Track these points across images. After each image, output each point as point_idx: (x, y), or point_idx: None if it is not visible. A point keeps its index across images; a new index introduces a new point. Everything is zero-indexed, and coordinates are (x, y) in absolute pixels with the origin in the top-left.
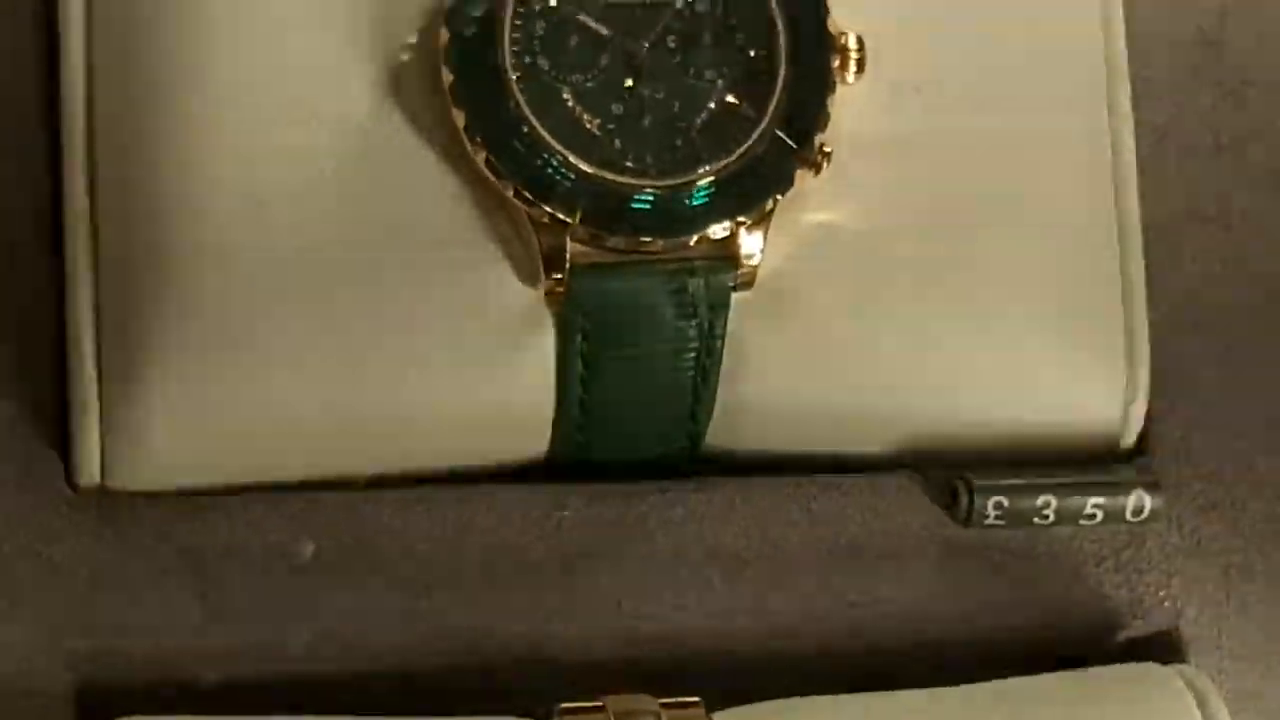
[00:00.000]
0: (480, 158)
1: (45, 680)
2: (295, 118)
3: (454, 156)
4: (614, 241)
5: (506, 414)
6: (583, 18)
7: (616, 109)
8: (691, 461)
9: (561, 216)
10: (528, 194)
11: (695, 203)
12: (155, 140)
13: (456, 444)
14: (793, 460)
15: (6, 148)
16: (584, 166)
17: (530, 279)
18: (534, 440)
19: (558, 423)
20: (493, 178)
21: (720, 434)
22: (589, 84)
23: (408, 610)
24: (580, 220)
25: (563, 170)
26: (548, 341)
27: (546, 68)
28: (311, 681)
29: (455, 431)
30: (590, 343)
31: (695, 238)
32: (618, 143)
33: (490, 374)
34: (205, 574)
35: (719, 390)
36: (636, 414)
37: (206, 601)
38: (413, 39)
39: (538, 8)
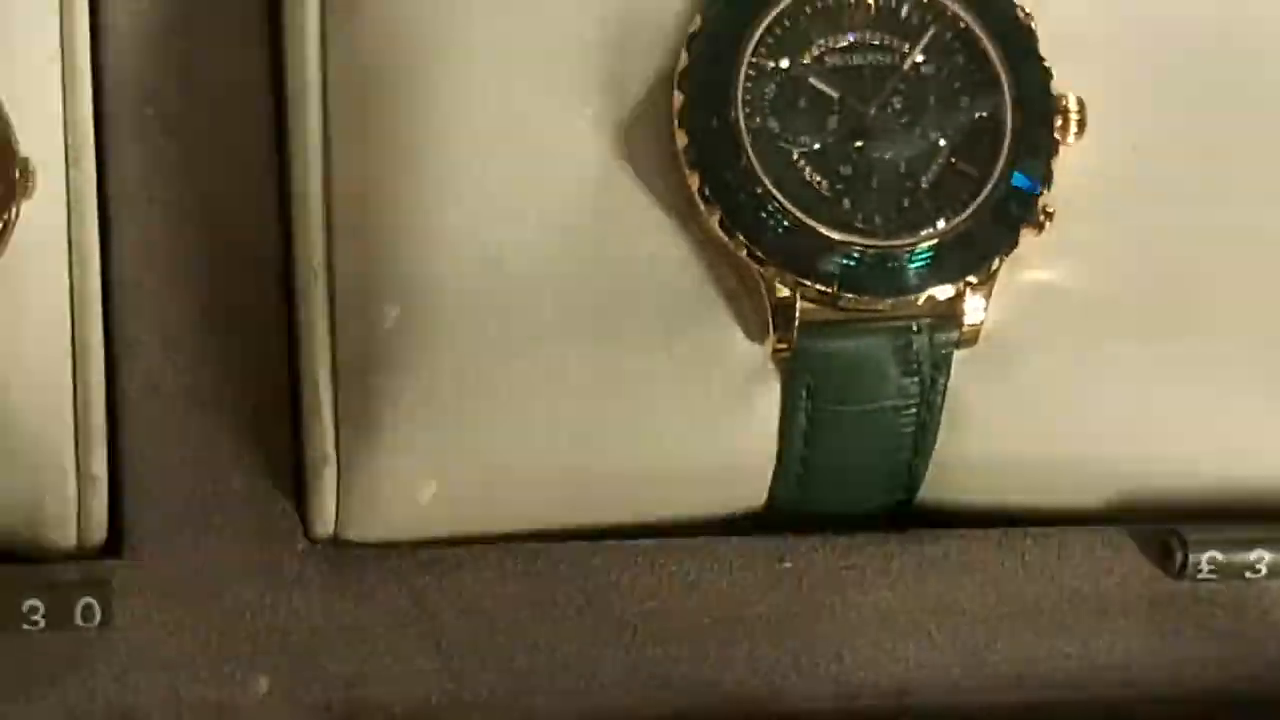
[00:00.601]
0: (714, 218)
1: None
2: (529, 177)
3: (683, 215)
4: (844, 301)
5: (729, 467)
6: (813, 80)
7: (845, 170)
8: (904, 514)
9: (794, 276)
10: (760, 254)
11: (922, 263)
12: (392, 198)
13: (679, 496)
14: (1005, 513)
15: (242, 203)
16: (817, 227)
17: (757, 336)
18: (753, 492)
19: (778, 475)
20: (725, 238)
21: (935, 487)
22: (818, 145)
23: (633, 661)
24: (812, 280)
25: (795, 231)
26: (772, 397)
27: (777, 129)
28: None
29: (679, 484)
30: (814, 399)
31: (922, 297)
32: (847, 203)
33: (716, 428)
34: (440, 624)
35: (935, 444)
36: (855, 468)
37: (441, 651)
38: (643, 100)
39: (769, 69)
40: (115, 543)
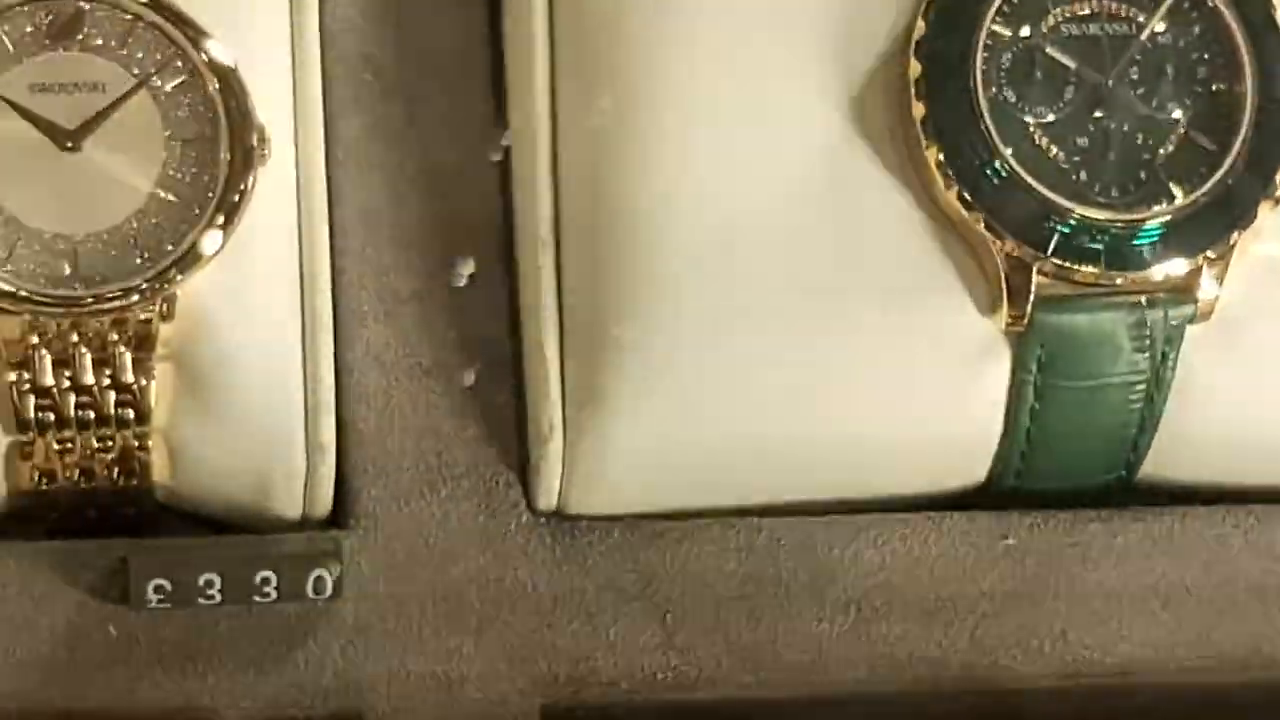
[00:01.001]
0: (951, 191)
1: (510, 703)
2: (761, 146)
3: (915, 187)
4: (1080, 275)
5: (953, 442)
6: (1050, 49)
7: (1081, 142)
8: (1124, 490)
9: (1031, 249)
10: (998, 226)
11: (1158, 237)
12: (621, 168)
13: (903, 470)
14: (1225, 491)
15: (464, 171)
16: (1055, 199)
17: (989, 309)
18: (975, 468)
19: (1002, 451)
20: (962, 210)
21: (1157, 463)
22: (1055, 116)
23: (857, 637)
24: (1049, 253)
25: (1034, 203)
26: (1001, 371)
27: (1014, 99)
28: (762, 705)
29: (903, 459)
30: (1044, 373)
31: (1159, 272)
32: (1084, 176)
33: (943, 402)
34: (665, 598)
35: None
36: (1080, 443)
37: (666, 625)
38: (877, 68)
39: (1006, 38)
40: (340, 514)
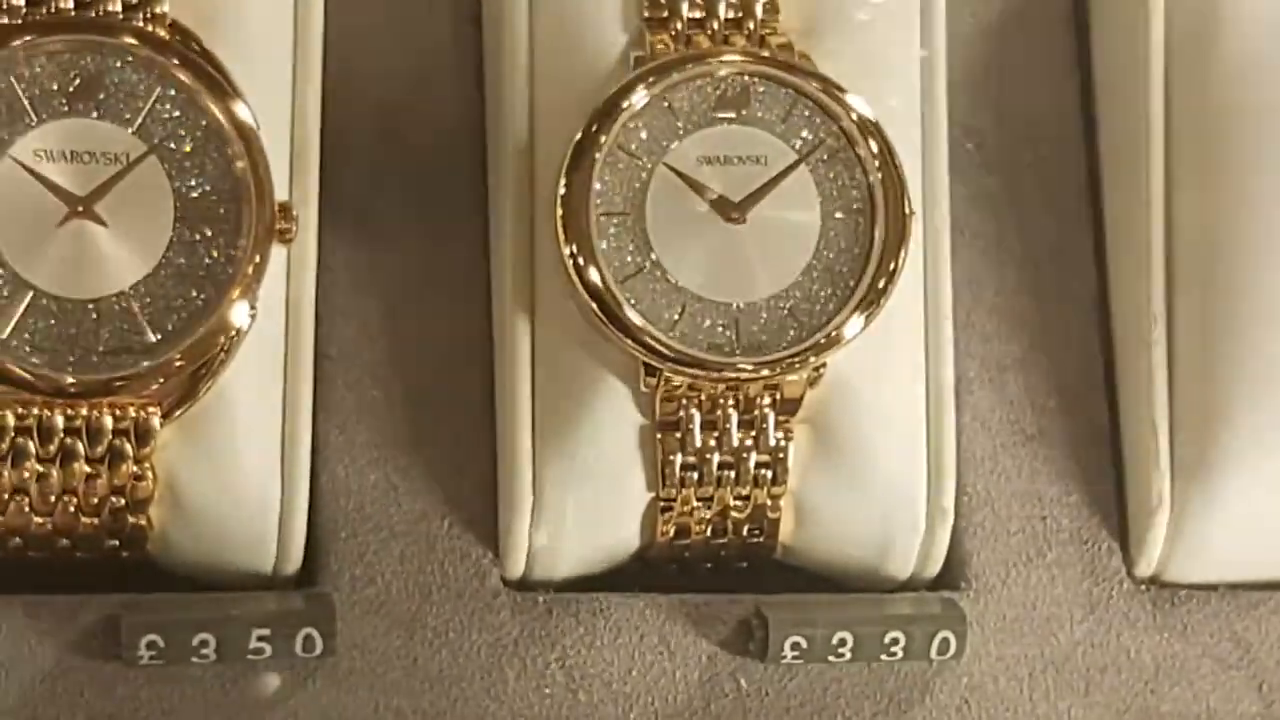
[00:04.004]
0: None
1: None
2: None
3: None
4: None
5: None
6: None
7: None
8: None
9: None
10: None
11: None
12: (1237, 243)
13: None
14: None
15: (1064, 248)
16: None
17: None
18: None
19: None
20: None
21: None
22: None
23: None
24: None
25: None
26: None
27: None
28: None
29: None
30: None
31: None
32: None
33: None
34: (1261, 667)
35: None
36: None
37: (1262, 694)
38: None
39: None
40: (950, 576)
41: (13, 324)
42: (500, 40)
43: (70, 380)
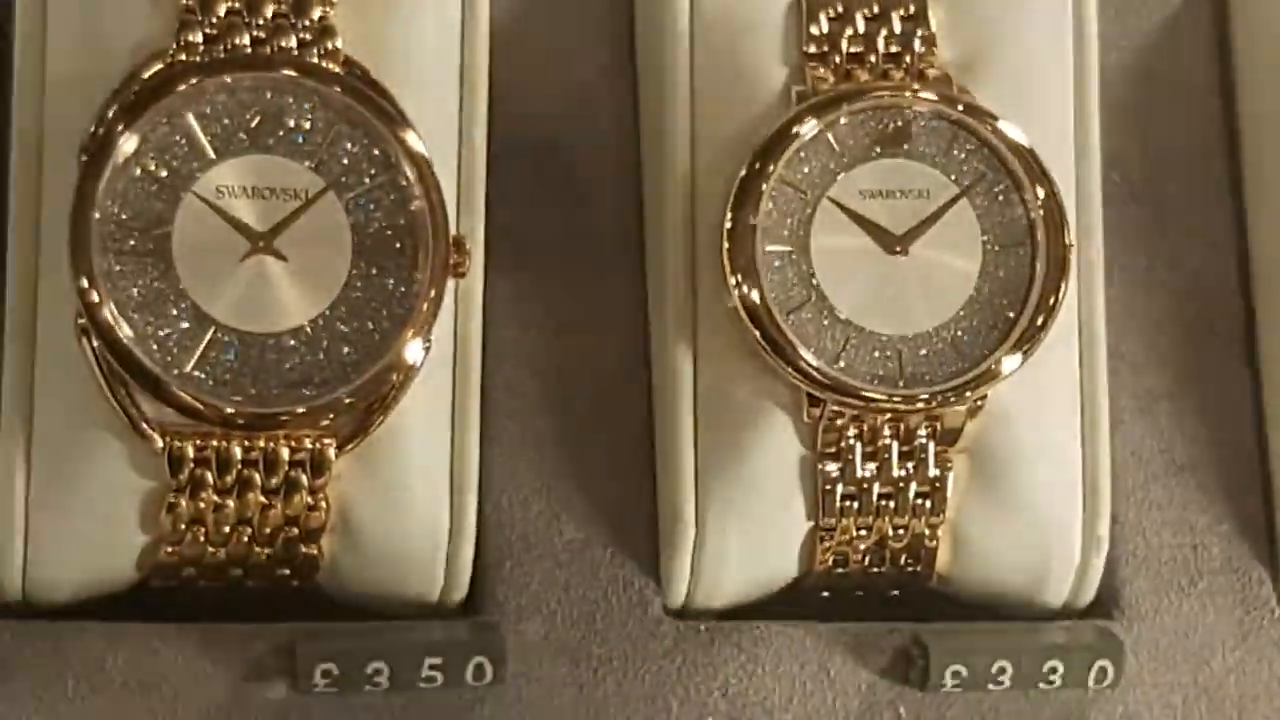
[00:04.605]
0: None
1: None
2: None
3: None
4: None
5: None
6: None
7: None
8: None
9: None
10: None
11: None
12: None
13: None
14: None
15: (1208, 270)
16: None
17: None
18: None
19: None
20: None
21: None
22: None
23: None
24: None
25: None
26: None
27: None
28: None
29: None
30: None
31: None
32: None
33: None
34: None
35: None
36: None
37: None
38: None
39: None
40: (1105, 604)
41: (195, 357)
42: (661, 74)
43: (248, 412)
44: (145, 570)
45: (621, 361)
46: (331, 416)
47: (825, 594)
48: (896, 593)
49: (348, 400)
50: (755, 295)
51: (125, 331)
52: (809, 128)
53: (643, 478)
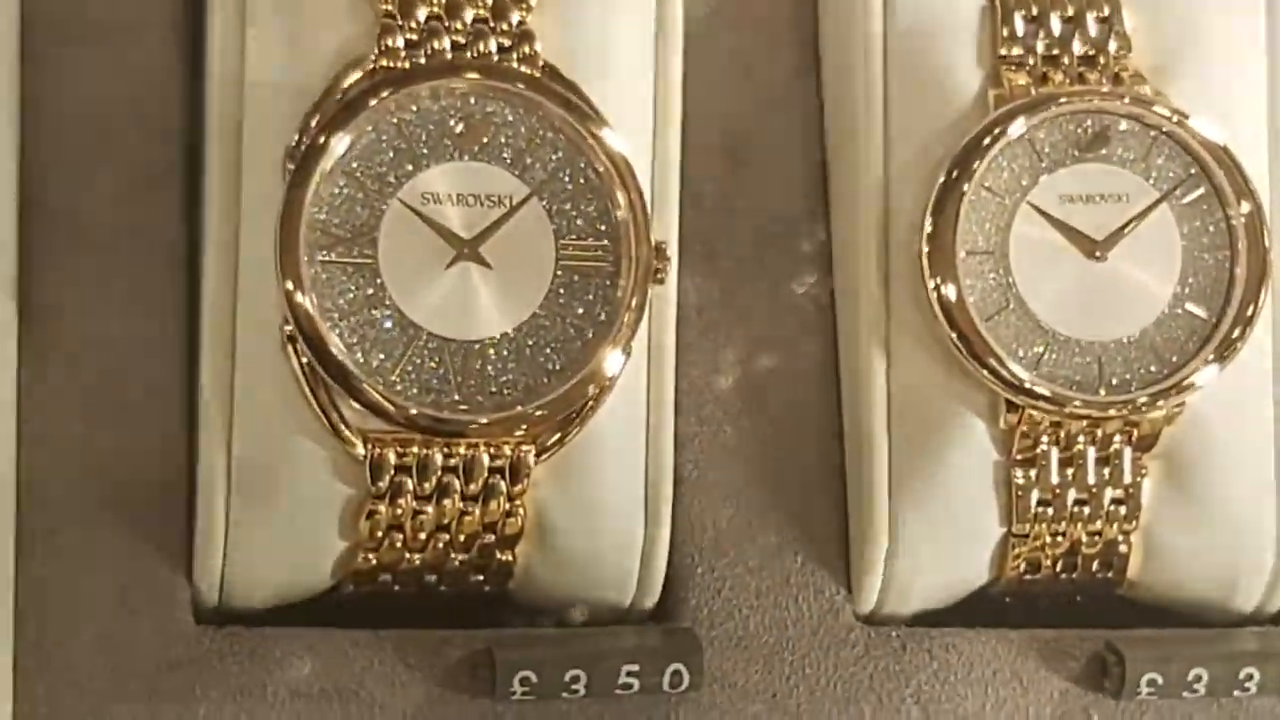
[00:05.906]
0: None
1: None
2: None
3: None
4: None
5: None
6: None
7: None
8: None
9: None
10: None
11: None
12: None
13: None
14: None
15: None
16: None
17: None
18: None
19: None
20: None
21: None
22: None
23: None
24: None
25: None
26: None
27: None
28: None
29: None
30: None
31: None
32: None
33: None
34: None
35: None
36: None
37: None
38: None
39: None
40: None
41: (400, 364)
42: (853, 75)
43: (450, 419)
44: (341, 576)
45: (812, 366)
46: (528, 425)
47: (1008, 600)
48: (1082, 599)
49: (544, 412)
50: (953, 298)
51: (332, 339)
52: (1011, 131)
53: (834, 483)
